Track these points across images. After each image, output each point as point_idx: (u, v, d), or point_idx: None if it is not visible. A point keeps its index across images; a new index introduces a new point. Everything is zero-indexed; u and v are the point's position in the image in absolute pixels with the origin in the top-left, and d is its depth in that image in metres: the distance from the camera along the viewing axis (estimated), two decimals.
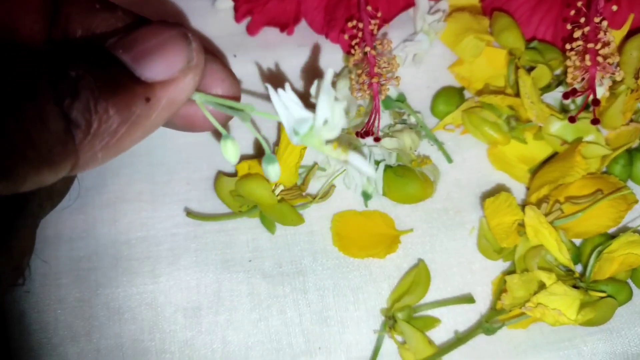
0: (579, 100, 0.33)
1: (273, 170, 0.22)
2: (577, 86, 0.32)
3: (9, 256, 0.25)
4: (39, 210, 0.23)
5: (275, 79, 0.38)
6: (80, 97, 0.17)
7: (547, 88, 0.35)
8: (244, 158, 0.34)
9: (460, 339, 0.31)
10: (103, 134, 0.18)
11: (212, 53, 0.23)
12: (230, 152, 0.21)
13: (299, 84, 0.37)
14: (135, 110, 0.18)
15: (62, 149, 0.17)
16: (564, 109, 0.35)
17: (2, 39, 0.19)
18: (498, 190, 0.35)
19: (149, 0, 0.39)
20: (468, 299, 0.32)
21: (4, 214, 0.21)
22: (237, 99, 0.23)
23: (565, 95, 0.32)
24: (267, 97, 0.37)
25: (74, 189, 0.32)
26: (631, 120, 0.35)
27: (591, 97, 0.31)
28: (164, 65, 0.19)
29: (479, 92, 0.36)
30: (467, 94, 0.37)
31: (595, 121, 0.31)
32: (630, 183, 0.34)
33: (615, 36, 0.36)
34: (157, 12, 0.39)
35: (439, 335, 0.32)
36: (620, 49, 0.35)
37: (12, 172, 0.16)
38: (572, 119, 0.32)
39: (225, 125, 0.24)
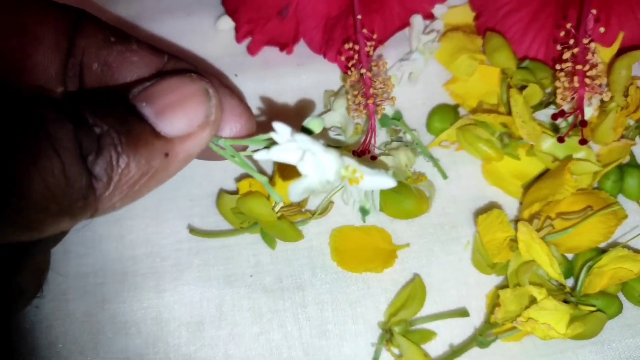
0: (570, 118, 0.34)
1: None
2: (566, 107, 0.33)
3: (32, 274, 0.26)
4: (61, 234, 0.24)
5: (276, 97, 0.39)
6: (104, 154, 0.18)
7: (539, 106, 0.36)
8: (244, 176, 0.36)
9: (455, 352, 0.32)
10: (123, 186, 0.19)
11: (230, 88, 0.24)
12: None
13: (299, 103, 0.38)
14: (154, 164, 0.19)
15: (83, 203, 0.18)
16: (555, 127, 0.36)
17: (21, 84, 0.20)
18: (492, 205, 0.36)
19: (152, 20, 0.41)
20: (462, 312, 0.33)
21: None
22: (252, 131, 0.24)
23: (554, 117, 0.33)
24: (266, 116, 0.38)
25: None
26: (622, 137, 0.36)
27: (579, 117, 0.32)
28: (185, 121, 0.20)
29: (474, 110, 0.37)
30: (462, 111, 0.38)
31: (583, 141, 0.32)
32: (621, 198, 0.35)
33: (605, 54, 0.37)
34: (161, 33, 0.40)
35: (435, 348, 0.32)
36: (610, 67, 0.36)
37: (35, 224, 0.17)
38: (560, 139, 0.32)
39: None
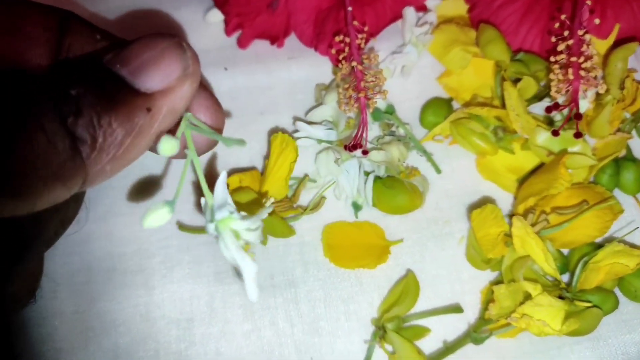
0: (565, 111, 0.34)
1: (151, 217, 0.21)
2: (560, 99, 0.33)
3: (25, 280, 0.25)
4: (54, 238, 0.24)
5: (266, 91, 0.38)
6: (83, 114, 0.18)
7: (533, 99, 0.35)
8: (235, 171, 0.35)
9: (449, 349, 0.32)
10: (109, 147, 0.18)
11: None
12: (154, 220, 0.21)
13: (290, 96, 0.38)
14: (138, 121, 0.19)
15: (71, 165, 0.18)
16: (550, 120, 0.35)
17: (10, 68, 0.20)
18: (486, 200, 0.35)
19: (141, 14, 0.40)
20: (456, 308, 0.33)
21: (22, 243, 0.22)
22: (220, 126, 0.24)
23: (548, 110, 0.33)
24: (256, 110, 0.37)
25: (81, 215, 0.33)
26: (618, 130, 0.35)
27: (574, 110, 0.31)
28: (162, 75, 0.20)
29: (467, 103, 0.37)
30: (455, 104, 0.37)
31: (577, 135, 0.32)
32: (617, 192, 0.35)
33: (601, 46, 0.36)
34: (149, 26, 0.40)
35: (429, 344, 0.32)
36: (605, 59, 0.35)
37: (27, 192, 0.17)
38: (555, 133, 0.32)
39: (213, 144, 0.24)
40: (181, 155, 0.21)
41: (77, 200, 0.24)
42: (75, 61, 0.21)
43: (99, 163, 0.19)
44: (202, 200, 0.21)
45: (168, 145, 0.20)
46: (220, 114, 0.24)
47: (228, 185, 0.34)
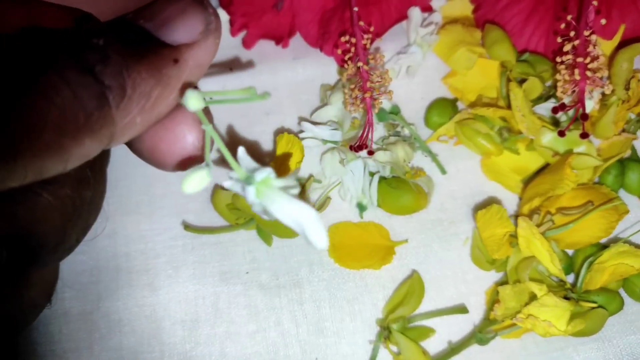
0: (570, 112, 0.34)
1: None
2: (566, 100, 0.33)
3: (43, 286, 0.25)
4: (75, 245, 0.23)
5: (271, 91, 0.38)
6: (111, 62, 0.17)
7: (538, 99, 0.35)
8: None
9: (453, 349, 0.32)
10: (138, 96, 0.18)
11: None
12: (193, 184, 0.20)
13: (295, 97, 0.38)
14: (166, 71, 0.19)
15: (99, 115, 0.17)
16: (555, 120, 0.35)
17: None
18: (491, 201, 0.35)
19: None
20: (461, 309, 0.33)
21: (47, 255, 0.22)
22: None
23: (555, 110, 0.33)
24: (262, 111, 0.37)
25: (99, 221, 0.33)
26: (623, 130, 0.35)
27: (580, 111, 0.31)
28: (186, 29, 0.19)
29: (473, 104, 0.37)
30: (460, 105, 0.37)
31: (584, 135, 0.31)
32: (622, 193, 0.35)
33: (607, 47, 0.36)
34: None
35: (434, 345, 0.32)
36: (611, 59, 0.35)
37: (56, 148, 0.17)
38: (561, 133, 0.32)
39: (199, 159, 0.23)
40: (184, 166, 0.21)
41: (97, 208, 0.24)
42: (94, 21, 0.21)
43: (129, 113, 0.18)
44: (230, 176, 0.20)
45: (194, 100, 0.19)
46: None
47: None
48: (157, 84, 0.19)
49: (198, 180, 0.20)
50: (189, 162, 0.22)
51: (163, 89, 0.19)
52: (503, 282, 0.33)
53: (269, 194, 0.19)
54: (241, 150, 0.19)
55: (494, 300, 0.32)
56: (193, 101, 0.19)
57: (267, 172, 0.19)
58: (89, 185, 0.21)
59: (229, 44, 0.39)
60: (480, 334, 0.31)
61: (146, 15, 0.19)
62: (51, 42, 0.17)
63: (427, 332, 0.32)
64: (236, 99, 0.21)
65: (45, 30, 0.18)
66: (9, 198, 0.17)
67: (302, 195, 0.34)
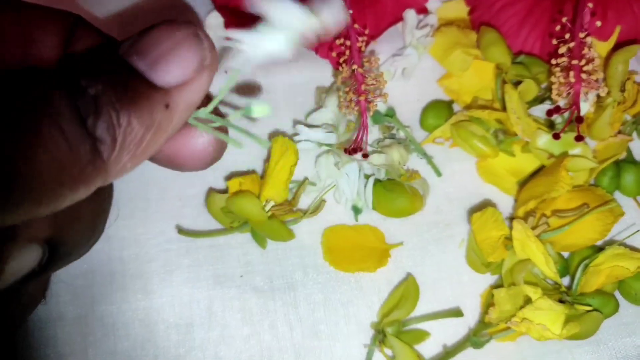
0: (566, 114, 0.33)
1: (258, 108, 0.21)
2: (561, 102, 0.33)
3: (41, 282, 0.25)
4: (100, 236, 0.24)
5: (267, 93, 0.38)
6: (103, 114, 0.18)
7: (534, 101, 0.35)
8: (234, 175, 0.35)
9: (449, 353, 0.31)
10: (129, 145, 0.18)
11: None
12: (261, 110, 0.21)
13: (290, 99, 0.38)
14: (156, 117, 0.19)
15: (92, 168, 0.18)
16: (551, 122, 0.35)
17: (22, 62, 0.20)
18: (487, 203, 0.35)
19: (141, 17, 0.40)
20: (456, 312, 0.32)
21: (81, 251, 0.22)
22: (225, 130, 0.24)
23: (549, 113, 0.33)
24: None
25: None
26: (619, 132, 0.35)
27: (575, 113, 0.31)
28: (180, 69, 0.19)
29: (468, 106, 0.37)
30: (456, 107, 0.37)
31: (579, 138, 0.31)
32: (618, 195, 0.35)
33: (602, 48, 0.36)
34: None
35: (428, 348, 0.32)
36: (606, 61, 0.35)
37: (50, 197, 0.17)
38: (556, 136, 0.32)
39: (219, 156, 0.24)
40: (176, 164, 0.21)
41: (111, 198, 0.24)
42: (87, 52, 0.21)
43: (120, 162, 0.18)
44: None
45: (260, 108, 0.20)
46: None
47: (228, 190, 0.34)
48: (148, 130, 0.19)
49: (263, 108, 0.20)
50: (209, 161, 0.22)
51: (154, 135, 0.19)
52: (498, 285, 0.33)
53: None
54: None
55: (489, 303, 0.32)
56: (259, 109, 0.20)
57: None
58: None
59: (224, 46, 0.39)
60: (475, 338, 0.31)
61: (139, 50, 0.19)
62: (50, 90, 0.17)
63: (422, 335, 0.32)
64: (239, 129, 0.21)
65: (43, 73, 0.18)
66: None
67: (294, 201, 0.34)
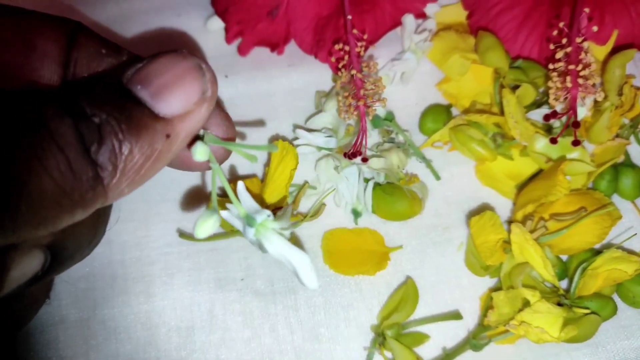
0: (563, 118, 0.34)
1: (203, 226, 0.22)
2: (558, 107, 0.33)
3: (44, 283, 0.26)
4: (101, 238, 0.24)
5: (267, 98, 0.38)
6: (106, 142, 0.18)
7: (532, 106, 0.35)
8: (235, 179, 0.35)
9: (448, 355, 0.32)
10: (129, 172, 0.19)
11: None
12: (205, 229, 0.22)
13: (290, 103, 0.38)
14: (157, 147, 0.19)
15: (92, 194, 0.18)
16: (548, 126, 0.35)
17: (23, 68, 0.20)
18: (485, 207, 0.35)
19: (142, 22, 0.40)
20: (455, 315, 0.33)
21: (82, 254, 0.23)
22: (232, 139, 0.24)
23: (546, 117, 0.33)
24: (257, 117, 0.38)
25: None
26: (617, 136, 0.35)
27: (572, 118, 0.32)
28: (182, 100, 0.20)
29: (467, 110, 0.37)
30: (454, 111, 0.38)
31: (575, 142, 0.32)
32: (616, 198, 0.35)
33: (600, 52, 0.36)
34: (150, 34, 0.40)
35: (428, 351, 0.32)
36: (604, 65, 0.35)
37: (50, 220, 0.18)
38: (553, 141, 0.32)
39: (226, 157, 0.24)
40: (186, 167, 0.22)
41: (106, 222, 0.25)
42: (91, 79, 0.22)
43: (119, 187, 0.19)
44: (228, 210, 0.22)
45: (201, 150, 0.21)
46: (232, 127, 0.24)
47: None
48: (148, 159, 0.19)
49: (209, 226, 0.21)
50: (218, 160, 0.23)
51: (153, 163, 0.19)
52: (497, 288, 0.33)
53: (267, 235, 0.22)
54: (241, 185, 0.21)
55: (488, 306, 0.32)
56: (200, 155, 0.21)
57: (266, 214, 0.21)
58: None
59: (224, 51, 0.39)
60: (474, 340, 0.31)
61: (143, 80, 0.20)
62: (55, 116, 0.18)
63: (422, 338, 0.32)
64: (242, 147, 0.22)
65: (47, 96, 0.18)
66: None
67: (295, 205, 0.34)
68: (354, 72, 0.33)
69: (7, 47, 0.21)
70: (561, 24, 0.33)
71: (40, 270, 0.20)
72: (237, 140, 0.23)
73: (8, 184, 0.16)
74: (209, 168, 0.22)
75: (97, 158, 0.18)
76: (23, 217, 0.17)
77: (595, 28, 0.33)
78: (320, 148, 0.36)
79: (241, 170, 0.36)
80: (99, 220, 0.23)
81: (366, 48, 0.35)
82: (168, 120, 0.19)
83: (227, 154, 0.24)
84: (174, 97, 0.20)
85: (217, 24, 0.39)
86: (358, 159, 0.33)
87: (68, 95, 0.19)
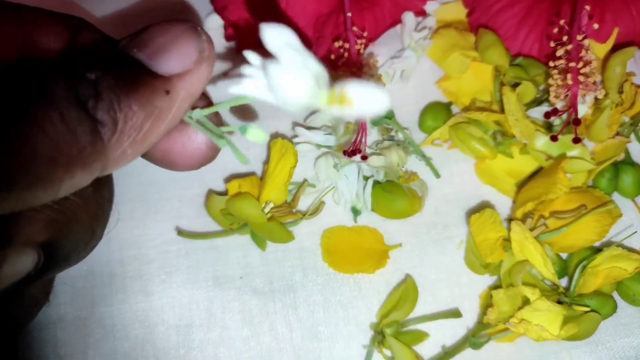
0: (564, 116, 0.34)
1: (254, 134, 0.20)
2: (559, 104, 0.33)
3: (44, 284, 0.26)
4: (99, 240, 0.24)
5: None
6: (103, 97, 0.18)
7: (532, 103, 0.35)
8: (234, 177, 0.35)
9: (447, 353, 0.32)
10: (130, 130, 0.18)
11: None
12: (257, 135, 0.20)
13: None
14: (157, 103, 0.19)
15: (92, 150, 0.18)
16: (549, 124, 0.35)
17: (22, 53, 0.20)
18: (485, 204, 0.35)
19: (140, 19, 0.40)
20: (455, 313, 0.33)
21: (79, 255, 0.22)
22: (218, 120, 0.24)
23: (547, 115, 0.33)
24: (256, 116, 0.37)
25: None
26: (617, 134, 0.35)
27: (573, 116, 0.31)
28: (179, 58, 0.20)
29: (467, 107, 0.37)
30: (454, 108, 0.37)
31: (576, 140, 0.32)
32: (616, 196, 0.35)
33: (600, 50, 0.36)
34: None
35: (427, 349, 0.32)
36: (604, 63, 0.35)
37: (48, 179, 0.17)
38: (554, 138, 0.32)
39: (213, 156, 0.24)
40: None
41: (112, 203, 0.24)
42: (88, 47, 0.21)
43: (120, 146, 0.18)
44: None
45: (256, 133, 0.20)
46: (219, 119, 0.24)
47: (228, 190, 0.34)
48: (149, 116, 0.19)
49: (259, 133, 0.20)
50: (202, 160, 0.23)
51: (154, 121, 0.19)
52: (497, 286, 0.33)
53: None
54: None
55: (487, 304, 0.32)
56: (254, 133, 0.20)
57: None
58: (107, 183, 0.21)
59: (223, 49, 0.39)
60: (474, 338, 0.31)
61: (139, 44, 0.19)
62: (46, 74, 0.18)
63: (421, 336, 0.32)
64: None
65: (40, 61, 0.18)
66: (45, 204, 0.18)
67: (294, 203, 0.34)
68: (353, 69, 0.33)
69: (8, 42, 0.21)
70: (562, 22, 0.33)
71: (33, 270, 0.19)
72: (231, 139, 0.23)
73: None
74: (197, 167, 0.22)
75: (95, 113, 0.18)
76: (16, 174, 0.16)
77: (595, 26, 0.33)
78: (319, 146, 0.35)
79: (239, 169, 0.36)
80: (97, 220, 0.22)
81: (366, 46, 0.35)
82: (167, 77, 0.19)
83: (216, 151, 0.23)
84: (171, 56, 0.19)
85: (216, 22, 0.39)
86: (357, 157, 0.33)
87: (62, 59, 0.19)
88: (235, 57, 0.39)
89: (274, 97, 0.17)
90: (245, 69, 0.18)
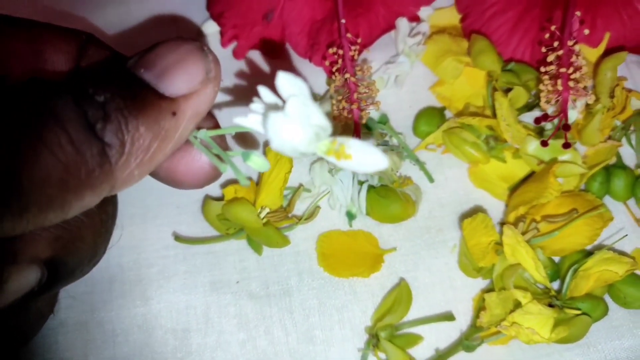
0: (555, 121, 0.34)
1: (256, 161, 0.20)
2: (550, 110, 0.33)
3: (49, 297, 0.26)
4: (102, 256, 0.24)
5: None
6: (111, 119, 0.18)
7: (524, 108, 0.36)
8: (230, 182, 0.36)
9: (441, 356, 0.32)
10: (137, 151, 0.19)
11: None
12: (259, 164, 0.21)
13: None
14: (164, 125, 0.19)
15: (100, 172, 0.18)
16: (541, 129, 0.35)
17: (30, 73, 0.20)
18: (478, 208, 0.36)
19: (138, 26, 0.41)
20: (448, 316, 0.33)
21: (82, 271, 0.23)
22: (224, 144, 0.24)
23: (537, 120, 0.33)
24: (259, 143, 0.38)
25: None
26: (609, 138, 0.36)
27: (563, 121, 0.32)
28: (186, 79, 0.20)
29: (460, 112, 0.37)
30: (448, 113, 0.38)
31: (566, 145, 0.32)
32: (608, 200, 0.35)
33: (592, 55, 0.37)
34: (146, 38, 0.40)
35: (421, 352, 0.32)
36: (596, 68, 0.36)
37: (58, 202, 0.17)
38: (544, 143, 0.32)
39: (217, 175, 0.24)
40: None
41: (115, 219, 0.25)
42: (95, 66, 0.22)
43: (128, 168, 0.19)
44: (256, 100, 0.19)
45: (259, 161, 0.20)
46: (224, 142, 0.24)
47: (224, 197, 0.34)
48: (156, 137, 0.19)
49: (261, 162, 0.20)
50: (206, 180, 0.23)
51: (161, 142, 0.19)
52: (490, 290, 0.33)
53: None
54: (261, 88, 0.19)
55: (480, 307, 0.32)
56: (257, 162, 0.20)
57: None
58: (111, 200, 0.22)
59: (219, 55, 0.39)
60: (467, 341, 0.32)
61: (146, 64, 0.20)
62: (56, 95, 0.18)
63: (415, 339, 0.33)
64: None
65: (49, 83, 0.18)
66: None
67: (289, 208, 0.35)
68: (347, 75, 0.34)
69: (19, 59, 0.21)
70: (553, 27, 0.33)
71: (37, 286, 0.20)
72: (231, 146, 0.23)
73: (9, 164, 0.16)
74: (201, 186, 0.23)
75: (103, 135, 0.18)
76: (28, 198, 0.16)
77: (586, 31, 0.33)
78: None
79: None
80: (100, 237, 0.23)
81: (360, 52, 0.35)
82: (174, 99, 0.19)
83: (217, 174, 0.24)
84: (178, 77, 0.20)
85: (212, 28, 0.40)
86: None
87: (70, 79, 0.19)
88: (232, 62, 0.39)
89: (273, 140, 0.17)
90: (253, 105, 0.18)
